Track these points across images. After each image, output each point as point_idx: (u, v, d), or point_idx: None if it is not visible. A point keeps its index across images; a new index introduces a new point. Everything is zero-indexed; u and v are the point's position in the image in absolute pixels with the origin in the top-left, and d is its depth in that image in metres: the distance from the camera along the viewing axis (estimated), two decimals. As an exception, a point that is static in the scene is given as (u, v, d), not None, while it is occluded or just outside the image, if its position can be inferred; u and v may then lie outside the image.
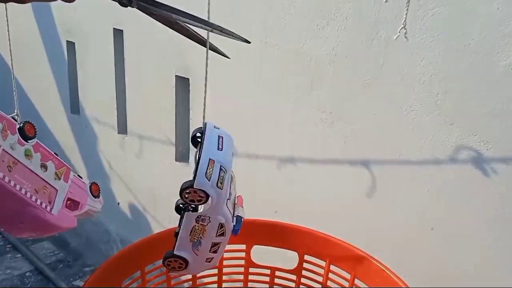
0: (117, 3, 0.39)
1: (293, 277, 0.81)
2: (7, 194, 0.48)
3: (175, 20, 0.44)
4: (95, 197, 0.65)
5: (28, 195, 0.50)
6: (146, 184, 1.44)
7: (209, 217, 0.49)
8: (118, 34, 1.33)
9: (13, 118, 0.51)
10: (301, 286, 0.81)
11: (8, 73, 2.00)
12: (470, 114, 0.70)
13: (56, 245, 1.81)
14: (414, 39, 0.72)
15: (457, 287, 0.77)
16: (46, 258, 1.72)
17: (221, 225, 0.50)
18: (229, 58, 0.50)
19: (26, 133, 0.51)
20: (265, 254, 0.83)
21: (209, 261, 0.55)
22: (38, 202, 0.51)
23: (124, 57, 1.34)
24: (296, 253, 0.79)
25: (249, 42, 0.46)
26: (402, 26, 0.59)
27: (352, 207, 0.89)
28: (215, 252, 0.54)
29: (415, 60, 0.73)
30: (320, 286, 0.78)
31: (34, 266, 1.67)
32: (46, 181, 0.54)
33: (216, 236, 0.51)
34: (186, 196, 0.47)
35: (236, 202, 0.56)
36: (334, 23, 0.81)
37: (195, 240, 0.51)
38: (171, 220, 1.31)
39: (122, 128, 1.47)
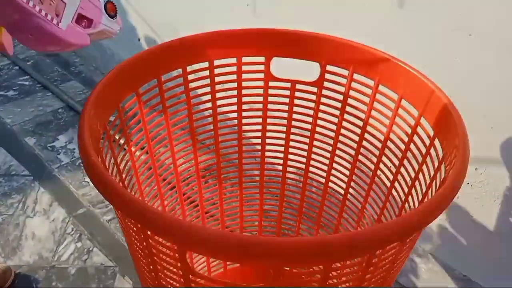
0: None
1: (314, 89, 0.78)
2: (9, 2, 0.46)
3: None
4: (111, 17, 0.62)
5: (31, 4, 0.47)
6: (166, 18, 1.38)
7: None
8: None
9: None
10: (322, 98, 0.79)
11: None
12: None
13: (83, 84, 1.85)
14: None
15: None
16: (76, 96, 1.77)
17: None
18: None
19: None
20: (285, 68, 0.80)
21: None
22: (43, 13, 0.49)
23: None
24: (317, 64, 0.76)
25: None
26: None
27: (381, 18, 0.83)
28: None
29: None
30: (341, 96, 0.76)
31: (65, 103, 1.72)
32: None
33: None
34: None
35: None
36: None
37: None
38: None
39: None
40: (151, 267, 0.54)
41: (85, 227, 1.23)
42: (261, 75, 0.80)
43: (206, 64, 0.77)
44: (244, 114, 0.85)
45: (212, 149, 0.89)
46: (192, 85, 0.78)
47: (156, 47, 0.72)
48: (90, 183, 1.35)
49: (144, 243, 0.50)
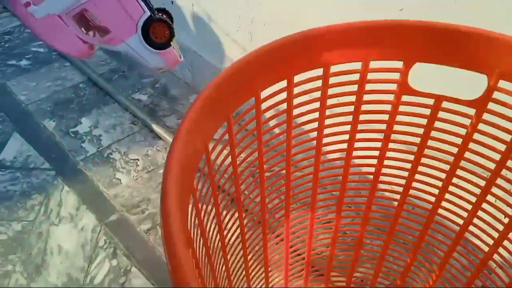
0: None
1: (471, 111, 0.54)
2: None
3: None
4: (153, 45, 0.50)
5: None
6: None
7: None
8: None
9: None
10: (480, 124, 0.55)
11: None
12: None
13: (107, 54, 1.60)
14: None
15: None
16: (98, 68, 1.52)
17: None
18: None
19: None
20: (427, 79, 0.56)
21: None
22: None
23: None
24: (484, 76, 0.52)
25: None
26: None
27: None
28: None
29: None
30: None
31: (86, 77, 1.48)
32: None
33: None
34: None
35: None
36: None
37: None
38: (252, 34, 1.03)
39: None
40: None
41: (120, 239, 1.03)
42: (394, 86, 0.56)
43: (319, 72, 0.53)
44: (359, 136, 0.61)
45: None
46: (297, 100, 0.55)
47: (252, 55, 0.47)
48: (122, 180, 1.14)
49: None
